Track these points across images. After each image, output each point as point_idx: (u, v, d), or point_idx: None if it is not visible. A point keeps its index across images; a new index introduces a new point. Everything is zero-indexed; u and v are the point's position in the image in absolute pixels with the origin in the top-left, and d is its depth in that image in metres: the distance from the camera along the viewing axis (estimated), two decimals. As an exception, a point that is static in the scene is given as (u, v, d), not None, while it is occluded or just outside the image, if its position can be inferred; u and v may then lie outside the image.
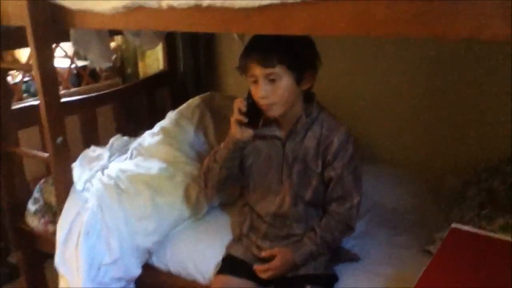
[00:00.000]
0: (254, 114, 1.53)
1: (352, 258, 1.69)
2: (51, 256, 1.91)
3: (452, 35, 1.00)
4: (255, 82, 1.50)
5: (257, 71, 1.47)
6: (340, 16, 1.12)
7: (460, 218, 1.73)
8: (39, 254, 2.20)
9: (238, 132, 1.54)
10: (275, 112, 1.52)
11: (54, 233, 1.89)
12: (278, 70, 1.46)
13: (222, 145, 1.64)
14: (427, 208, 2.01)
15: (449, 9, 0.97)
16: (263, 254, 1.63)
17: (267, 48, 1.45)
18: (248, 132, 1.54)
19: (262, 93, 1.48)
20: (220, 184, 1.70)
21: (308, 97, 1.60)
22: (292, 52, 1.46)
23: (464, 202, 1.83)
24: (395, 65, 2.39)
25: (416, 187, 2.18)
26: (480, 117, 2.25)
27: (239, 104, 1.51)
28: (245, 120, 1.52)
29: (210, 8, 1.31)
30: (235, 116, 1.52)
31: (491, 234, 1.40)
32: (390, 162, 2.45)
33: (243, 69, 1.52)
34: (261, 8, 1.21)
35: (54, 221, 2.00)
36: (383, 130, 2.51)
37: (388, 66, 2.41)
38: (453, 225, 1.42)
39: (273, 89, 1.48)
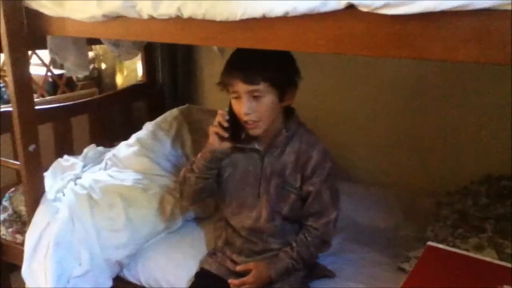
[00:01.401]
0: (235, 128, 1.51)
1: (328, 274, 1.68)
2: (18, 267, 1.85)
3: (428, 56, 1.02)
4: (237, 97, 1.49)
5: (241, 87, 1.46)
6: (320, 34, 1.13)
7: (434, 237, 1.74)
8: (6, 264, 2.14)
9: (216, 142, 1.52)
10: (258, 131, 1.51)
11: (22, 243, 1.86)
12: (262, 87, 1.45)
13: (199, 155, 1.61)
14: (401, 227, 2.02)
15: (424, 31, 0.99)
16: (238, 268, 1.61)
17: (252, 65, 1.45)
18: (227, 143, 1.53)
19: (246, 110, 1.47)
20: (196, 195, 1.67)
21: (288, 112, 1.59)
22: (276, 69, 1.46)
23: (437, 222, 1.85)
24: (372, 85, 2.41)
25: (391, 206, 2.19)
26: (453, 140, 2.28)
27: (221, 118, 1.50)
28: (226, 134, 1.50)
29: (191, 20, 1.30)
30: (215, 129, 1.51)
31: (467, 253, 1.41)
32: (366, 181, 2.46)
33: (225, 85, 1.51)
34: (242, 22, 1.20)
35: (22, 231, 1.95)
36: (358, 149, 2.52)
37: (365, 86, 2.43)
38: (429, 243, 1.43)
39: (257, 106, 1.47)
